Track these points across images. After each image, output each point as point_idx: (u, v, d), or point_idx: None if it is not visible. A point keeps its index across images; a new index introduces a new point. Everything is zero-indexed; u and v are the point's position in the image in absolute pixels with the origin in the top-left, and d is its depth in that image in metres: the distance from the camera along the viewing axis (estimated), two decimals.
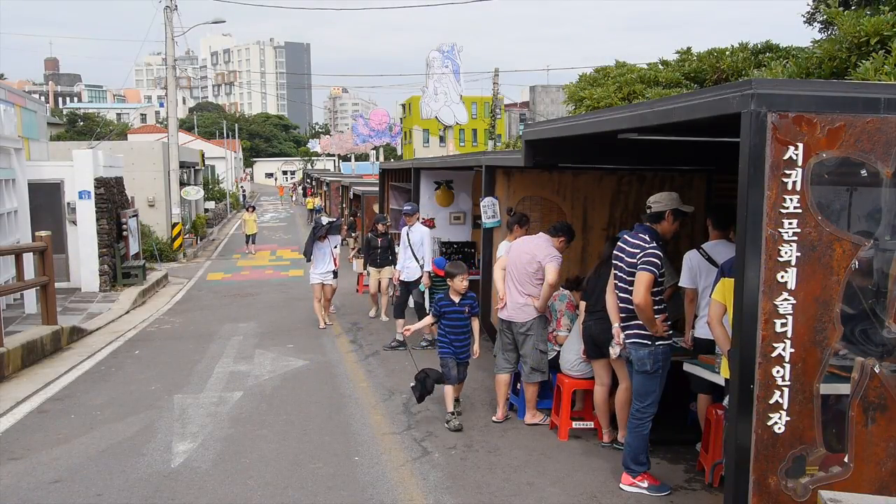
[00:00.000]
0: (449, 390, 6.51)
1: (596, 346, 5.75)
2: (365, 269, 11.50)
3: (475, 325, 6.66)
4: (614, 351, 5.32)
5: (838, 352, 3.61)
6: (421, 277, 9.50)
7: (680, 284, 5.84)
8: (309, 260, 11.06)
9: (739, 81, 3.82)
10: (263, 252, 23.81)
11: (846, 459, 3.64)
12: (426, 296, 9.65)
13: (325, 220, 11.35)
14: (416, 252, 9.53)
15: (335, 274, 11.30)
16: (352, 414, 6.89)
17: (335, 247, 11.19)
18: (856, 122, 3.46)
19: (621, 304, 5.15)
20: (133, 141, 33.55)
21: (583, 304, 6.02)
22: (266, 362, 8.95)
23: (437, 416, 6.72)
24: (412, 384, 6.70)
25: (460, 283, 6.53)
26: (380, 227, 11.25)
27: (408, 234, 9.64)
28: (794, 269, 3.49)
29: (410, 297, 9.86)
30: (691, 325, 5.85)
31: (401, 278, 9.76)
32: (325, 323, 11.10)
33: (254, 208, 26.31)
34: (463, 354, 6.58)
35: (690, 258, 5.69)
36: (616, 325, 5.27)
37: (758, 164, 3.43)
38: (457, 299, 6.56)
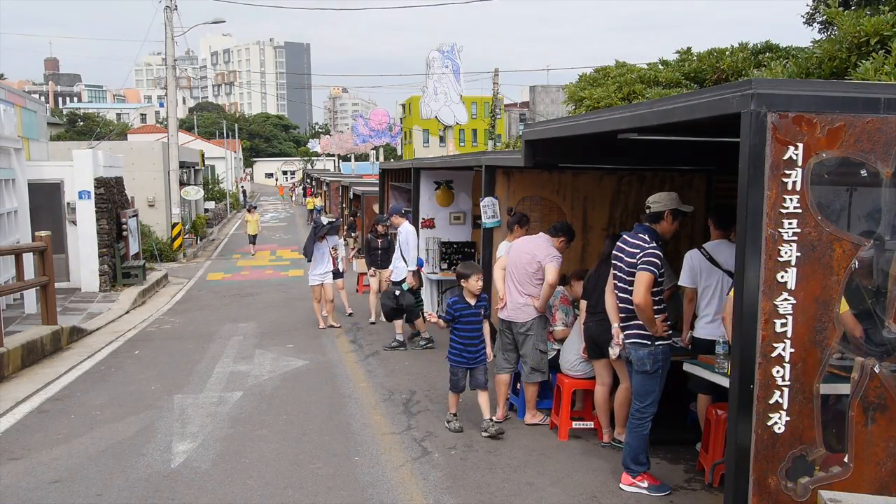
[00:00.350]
0: (452, 397, 6.38)
1: (597, 346, 5.75)
2: (369, 269, 11.48)
3: (486, 327, 6.37)
4: (613, 351, 5.33)
5: (842, 354, 3.62)
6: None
7: (680, 283, 5.83)
8: (310, 260, 11.02)
9: (739, 81, 3.82)
10: (263, 252, 23.82)
11: (846, 459, 3.64)
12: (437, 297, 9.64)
13: (324, 220, 11.33)
14: (403, 252, 9.56)
15: (335, 274, 11.28)
16: (352, 414, 6.89)
17: (333, 247, 11.17)
18: (856, 122, 3.46)
19: (621, 304, 5.15)
20: (133, 141, 33.55)
21: (583, 304, 6.01)
22: (266, 362, 8.95)
23: (437, 417, 6.73)
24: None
25: (475, 283, 6.19)
26: (379, 227, 11.24)
27: (398, 235, 9.70)
28: (794, 269, 3.49)
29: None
30: (689, 324, 5.85)
31: (391, 279, 9.78)
32: (324, 323, 11.09)
33: (255, 208, 26.27)
34: (479, 358, 6.29)
35: (691, 257, 5.69)
36: (616, 326, 5.27)
37: (758, 164, 3.43)
38: (472, 301, 6.24)
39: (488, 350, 6.41)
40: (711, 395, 5.44)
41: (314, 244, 10.82)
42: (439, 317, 6.47)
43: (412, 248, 9.50)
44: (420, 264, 9.58)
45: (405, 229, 9.64)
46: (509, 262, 6.54)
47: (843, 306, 3.63)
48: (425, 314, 6.53)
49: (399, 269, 9.62)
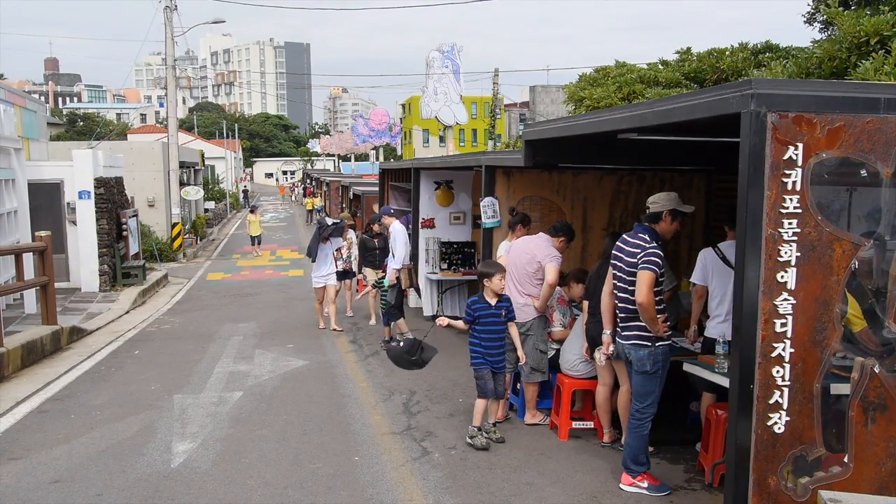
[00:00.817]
0: (481, 405, 5.96)
1: (598, 346, 5.75)
2: (360, 271, 11.40)
3: (514, 330, 6.11)
4: (599, 357, 5.38)
5: (842, 354, 3.62)
6: (398, 277, 9.43)
7: (691, 280, 5.88)
8: (314, 260, 10.92)
9: (739, 81, 3.82)
10: (263, 252, 23.77)
11: (846, 459, 3.64)
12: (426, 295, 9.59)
13: (329, 220, 11.27)
14: (392, 250, 9.56)
15: (346, 274, 11.24)
16: (352, 414, 6.89)
17: (337, 249, 11.12)
18: (856, 122, 3.46)
19: (620, 305, 5.15)
20: (133, 141, 33.52)
21: (585, 304, 6.02)
22: (266, 362, 8.95)
23: (437, 417, 6.72)
24: (397, 341, 6.09)
25: (499, 282, 5.90)
26: (375, 227, 11.18)
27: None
28: (794, 269, 3.50)
29: (405, 295, 9.82)
30: (696, 321, 5.89)
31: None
32: (324, 324, 11.04)
33: (257, 209, 26.15)
34: (499, 365, 5.99)
35: (705, 256, 5.75)
36: (607, 333, 5.30)
37: (758, 164, 3.43)
38: (493, 301, 5.95)
39: (520, 353, 6.12)
40: (716, 393, 5.44)
41: (319, 245, 10.74)
42: (461, 318, 6.14)
43: (399, 245, 9.44)
44: (386, 262, 9.65)
45: (394, 228, 9.63)
46: (509, 262, 6.54)
47: (860, 324, 3.62)
48: (437, 320, 6.16)
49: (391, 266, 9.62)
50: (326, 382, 8.03)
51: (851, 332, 3.61)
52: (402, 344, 6.27)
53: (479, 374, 5.97)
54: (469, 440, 5.92)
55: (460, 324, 6.10)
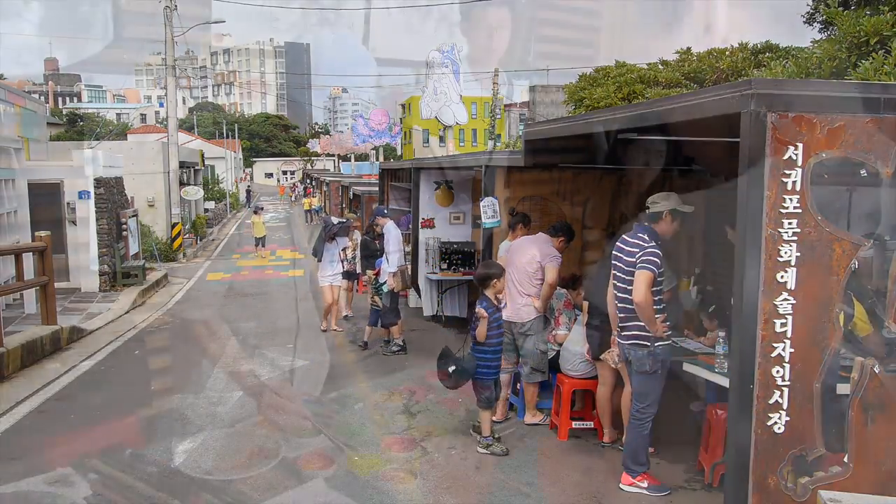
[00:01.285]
0: (488, 415, 5.90)
1: (600, 346, 5.75)
2: (363, 272, 11.36)
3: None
4: (613, 359, 5.38)
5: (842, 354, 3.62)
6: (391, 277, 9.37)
7: None
8: (319, 259, 10.87)
9: (739, 81, 3.82)
10: (263, 251, 23.74)
11: (846, 459, 3.64)
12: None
13: (335, 219, 11.24)
14: (387, 252, 9.52)
15: (350, 275, 11.23)
16: (352, 414, 6.89)
17: (343, 248, 11.10)
18: (856, 122, 3.46)
19: (620, 305, 5.15)
20: (133, 141, 33.54)
21: (586, 305, 6.01)
22: (266, 362, 8.95)
23: (437, 416, 6.72)
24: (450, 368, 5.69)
25: (503, 281, 5.89)
26: (376, 228, 11.14)
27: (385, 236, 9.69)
28: (794, 269, 3.49)
29: (405, 296, 9.78)
30: None
31: (375, 280, 9.72)
32: (326, 324, 11.01)
33: (261, 209, 26.03)
34: (499, 369, 6.01)
35: None
36: (615, 336, 5.29)
37: (757, 164, 3.43)
38: (497, 303, 5.88)
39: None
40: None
41: (324, 244, 10.69)
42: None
43: (393, 246, 9.40)
44: (379, 264, 9.61)
45: (387, 230, 9.59)
46: (509, 262, 6.54)
47: (866, 329, 3.61)
48: (477, 311, 5.77)
49: (385, 270, 9.59)
50: (326, 382, 8.03)
51: (858, 336, 3.61)
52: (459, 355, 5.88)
53: (486, 384, 5.84)
54: (486, 450, 5.79)
55: (483, 330, 5.69)
